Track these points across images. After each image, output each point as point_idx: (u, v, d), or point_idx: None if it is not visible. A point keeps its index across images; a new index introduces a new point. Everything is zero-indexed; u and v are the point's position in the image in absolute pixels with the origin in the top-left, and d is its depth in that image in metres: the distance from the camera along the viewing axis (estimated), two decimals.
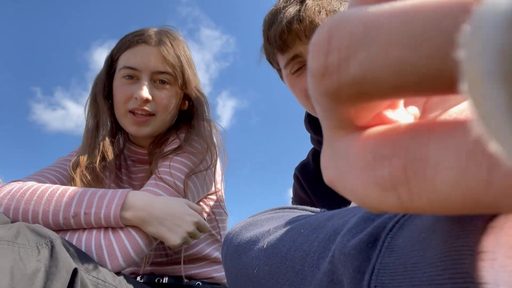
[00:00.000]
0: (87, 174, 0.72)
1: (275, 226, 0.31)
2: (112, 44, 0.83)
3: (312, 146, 0.84)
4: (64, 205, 0.61)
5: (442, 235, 0.13)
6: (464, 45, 0.07)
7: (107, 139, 0.78)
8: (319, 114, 0.12)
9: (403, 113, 0.13)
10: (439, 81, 0.08)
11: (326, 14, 0.59)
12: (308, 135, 0.82)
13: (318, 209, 0.38)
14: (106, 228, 0.61)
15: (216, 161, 0.81)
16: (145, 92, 0.74)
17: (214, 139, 0.83)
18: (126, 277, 0.60)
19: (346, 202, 0.49)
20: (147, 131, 0.78)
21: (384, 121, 0.12)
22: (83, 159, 0.74)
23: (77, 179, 0.71)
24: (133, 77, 0.76)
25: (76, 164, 0.74)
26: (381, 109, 0.12)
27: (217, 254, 0.83)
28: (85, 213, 0.60)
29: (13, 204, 0.61)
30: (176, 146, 0.77)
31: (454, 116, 0.15)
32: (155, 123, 0.78)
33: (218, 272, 0.83)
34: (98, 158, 0.74)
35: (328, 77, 0.10)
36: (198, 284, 0.78)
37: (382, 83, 0.09)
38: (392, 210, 0.11)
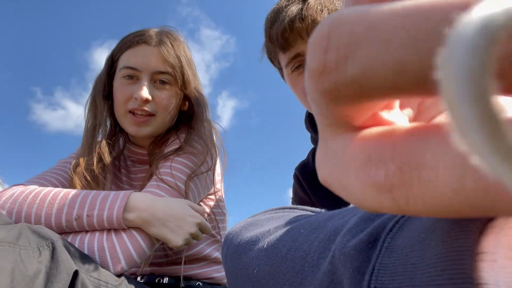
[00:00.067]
0: (86, 175, 0.72)
1: (275, 226, 0.31)
2: (112, 44, 0.84)
3: (312, 146, 0.84)
4: (66, 207, 0.61)
5: (441, 236, 0.13)
6: (440, 67, 0.07)
7: (104, 140, 0.78)
8: (315, 112, 0.12)
9: (398, 114, 0.13)
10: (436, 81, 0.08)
11: (328, 12, 0.59)
12: (308, 135, 0.82)
13: (318, 209, 0.37)
14: (108, 230, 0.61)
15: (216, 161, 0.81)
16: (145, 92, 0.74)
17: (214, 140, 0.83)
18: (127, 277, 0.60)
19: (346, 203, 0.48)
20: (147, 131, 0.78)
21: (379, 121, 0.12)
22: (83, 161, 0.74)
23: (77, 181, 0.71)
24: (133, 77, 0.76)
25: (76, 166, 0.74)
26: (377, 110, 0.12)
27: (217, 254, 0.83)
28: (87, 215, 0.60)
29: (15, 207, 0.61)
30: (176, 146, 0.77)
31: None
32: (155, 123, 0.78)
33: (218, 272, 0.83)
34: (95, 159, 0.74)
35: (326, 75, 0.10)
36: (198, 284, 0.78)
37: (380, 83, 0.09)
38: (387, 212, 0.11)
